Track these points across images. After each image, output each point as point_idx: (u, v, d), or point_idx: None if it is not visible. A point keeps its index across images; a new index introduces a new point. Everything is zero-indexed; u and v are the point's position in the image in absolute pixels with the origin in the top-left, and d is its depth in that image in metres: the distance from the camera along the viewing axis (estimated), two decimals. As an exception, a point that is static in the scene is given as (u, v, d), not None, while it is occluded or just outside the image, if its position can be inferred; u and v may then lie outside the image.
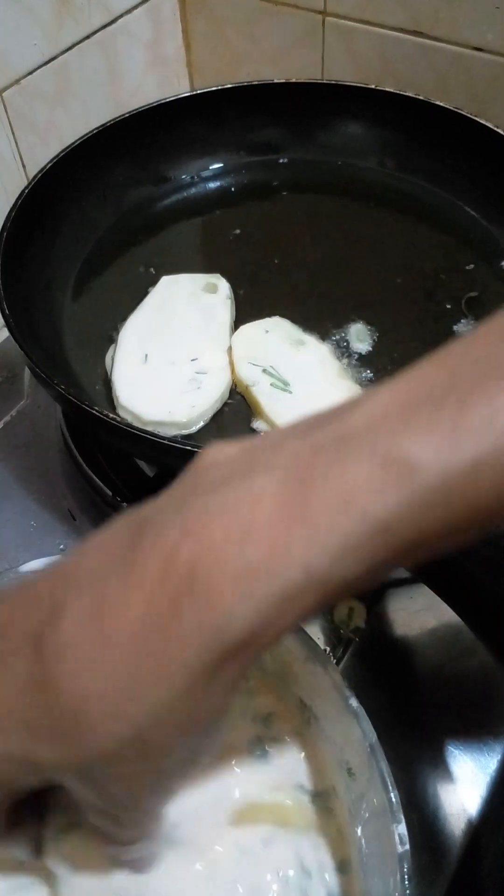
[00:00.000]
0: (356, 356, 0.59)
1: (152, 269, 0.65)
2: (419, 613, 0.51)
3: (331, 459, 0.24)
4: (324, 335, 0.60)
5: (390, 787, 0.34)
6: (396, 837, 0.33)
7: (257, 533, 0.24)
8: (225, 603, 0.23)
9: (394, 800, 0.33)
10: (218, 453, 0.27)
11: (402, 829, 0.33)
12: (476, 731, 0.47)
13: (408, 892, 0.32)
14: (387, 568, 0.25)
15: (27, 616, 0.26)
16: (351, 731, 0.35)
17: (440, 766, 0.45)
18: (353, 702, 0.35)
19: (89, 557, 0.27)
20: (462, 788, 0.44)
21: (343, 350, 0.59)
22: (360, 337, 0.60)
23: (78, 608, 0.25)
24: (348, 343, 0.59)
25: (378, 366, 0.58)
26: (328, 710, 0.37)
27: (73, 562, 0.27)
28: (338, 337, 0.60)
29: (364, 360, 0.59)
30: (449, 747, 0.45)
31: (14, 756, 0.26)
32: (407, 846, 0.33)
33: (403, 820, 0.33)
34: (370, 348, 0.59)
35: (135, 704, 0.25)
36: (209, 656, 0.24)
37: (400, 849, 0.32)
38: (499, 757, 0.45)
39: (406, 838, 0.33)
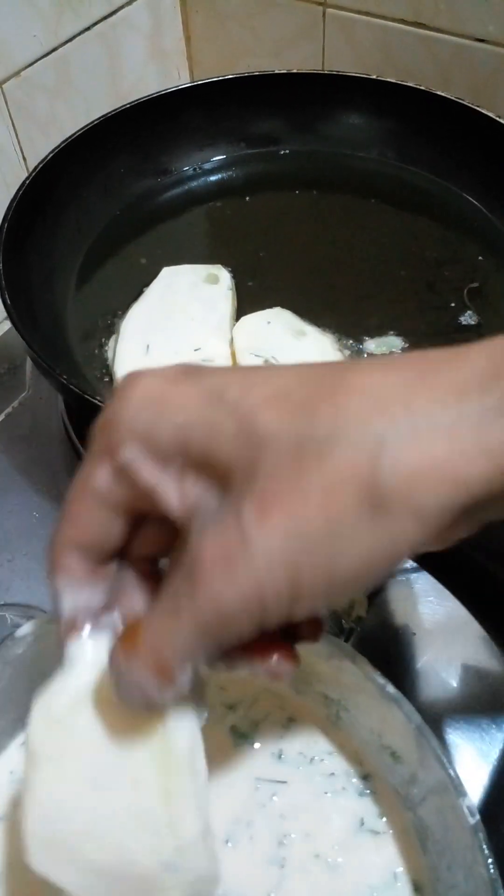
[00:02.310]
0: (358, 347, 0.59)
1: (154, 261, 0.65)
2: (421, 603, 0.51)
3: None
4: (325, 326, 0.60)
5: (447, 764, 0.34)
6: (465, 810, 0.33)
7: (440, 440, 0.24)
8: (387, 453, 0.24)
9: (453, 775, 0.34)
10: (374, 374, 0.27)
11: (468, 801, 0.33)
12: (478, 719, 0.47)
13: (490, 860, 0.32)
14: None
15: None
16: (391, 716, 0.36)
17: (442, 754, 0.45)
18: (390, 688, 0.36)
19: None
20: (464, 777, 0.44)
21: (345, 341, 0.59)
22: (361, 328, 0.60)
23: (384, 368, 0.26)
24: (350, 334, 0.59)
25: (380, 357, 0.58)
26: (361, 700, 0.38)
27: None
28: (339, 328, 0.60)
29: (366, 351, 0.58)
30: (451, 736, 0.45)
31: (240, 409, 0.26)
32: (478, 817, 0.33)
33: (468, 793, 0.33)
34: (372, 339, 0.59)
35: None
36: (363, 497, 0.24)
37: (472, 820, 0.33)
38: (501, 745, 0.45)
39: (475, 809, 0.33)
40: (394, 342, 0.59)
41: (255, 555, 0.24)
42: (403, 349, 0.58)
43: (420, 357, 0.26)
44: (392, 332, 0.59)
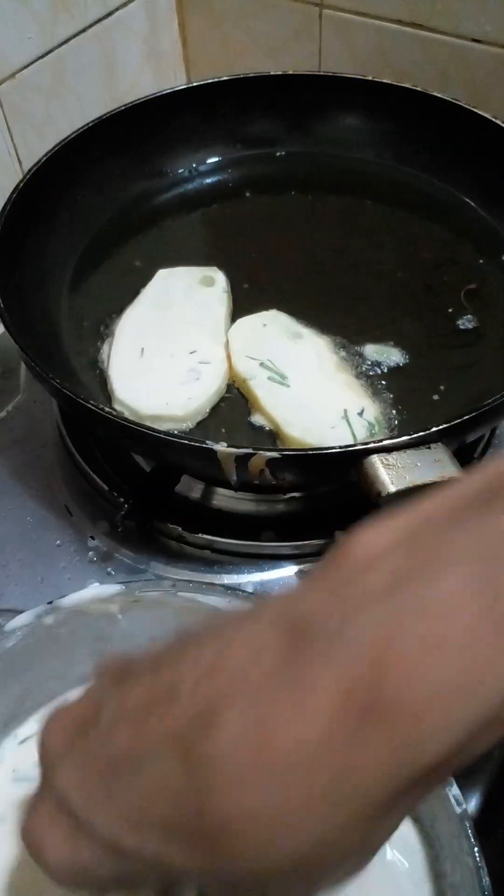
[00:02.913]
0: (354, 349, 0.58)
1: (149, 263, 0.64)
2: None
3: None
4: (321, 328, 0.59)
5: None
6: (452, 800, 0.33)
7: (454, 647, 0.21)
8: (420, 727, 0.21)
9: None
10: (370, 541, 0.24)
11: (455, 790, 0.34)
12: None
13: (476, 848, 0.32)
14: None
15: (167, 711, 0.24)
16: None
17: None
18: None
19: (235, 658, 0.24)
20: (459, 776, 0.44)
21: (341, 343, 0.59)
22: (358, 330, 0.59)
23: (236, 720, 0.23)
24: (346, 336, 0.59)
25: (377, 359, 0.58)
26: None
27: (210, 654, 0.25)
28: (335, 330, 0.59)
29: (362, 354, 0.58)
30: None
31: (144, 858, 0.24)
32: (464, 806, 0.33)
33: (455, 783, 0.34)
34: (369, 341, 0.59)
35: (299, 833, 0.22)
36: (395, 783, 0.21)
37: (458, 809, 0.33)
38: (498, 750, 0.45)
39: (462, 799, 0.33)
40: (392, 353, 0.58)
41: None
42: (402, 364, 0.58)
43: None
44: (391, 343, 0.59)
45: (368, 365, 0.57)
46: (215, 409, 0.56)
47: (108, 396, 0.56)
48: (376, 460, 0.44)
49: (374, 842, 0.23)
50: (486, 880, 0.33)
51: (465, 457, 0.55)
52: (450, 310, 0.60)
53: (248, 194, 0.71)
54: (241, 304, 0.61)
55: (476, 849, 0.33)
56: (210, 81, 0.70)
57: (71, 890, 0.28)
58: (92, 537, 0.56)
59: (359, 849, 0.23)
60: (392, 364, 0.57)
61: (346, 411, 0.53)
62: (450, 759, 0.22)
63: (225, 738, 0.22)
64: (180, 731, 0.23)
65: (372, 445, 0.44)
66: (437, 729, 0.21)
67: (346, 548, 0.24)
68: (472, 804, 0.44)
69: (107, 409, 0.49)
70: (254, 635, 0.24)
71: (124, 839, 0.24)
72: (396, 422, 0.54)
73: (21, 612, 0.42)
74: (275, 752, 0.22)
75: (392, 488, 0.43)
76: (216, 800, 0.22)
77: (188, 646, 0.26)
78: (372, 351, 0.58)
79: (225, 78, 0.71)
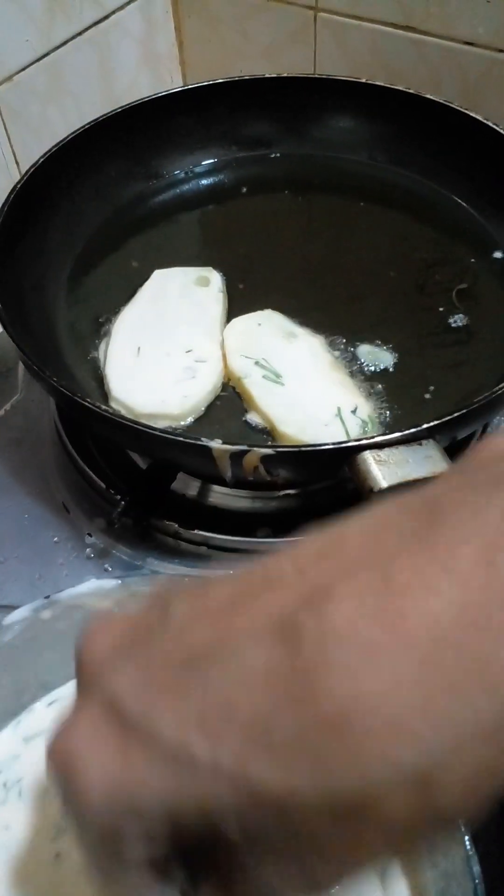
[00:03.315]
0: (347, 348, 0.59)
1: (145, 264, 0.65)
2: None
3: None
4: (316, 328, 0.60)
5: None
6: None
7: None
8: None
9: None
10: (499, 444, 0.23)
11: None
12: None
13: (467, 837, 0.33)
14: None
15: (263, 600, 0.21)
16: None
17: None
18: None
19: (351, 541, 0.21)
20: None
21: (334, 342, 0.59)
22: (352, 330, 0.60)
23: (353, 591, 0.19)
24: (340, 335, 0.60)
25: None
26: None
27: (324, 542, 0.21)
28: (330, 329, 0.60)
29: (356, 353, 0.59)
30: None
31: (222, 770, 0.19)
32: None
33: None
34: (362, 341, 0.59)
35: (432, 722, 0.18)
36: None
37: None
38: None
39: None
40: (385, 352, 0.59)
41: None
42: (395, 363, 0.58)
43: None
44: (384, 342, 0.59)
45: (362, 364, 0.58)
46: (211, 408, 0.57)
47: (104, 395, 0.57)
48: (368, 456, 0.44)
49: (489, 781, 0.19)
50: (477, 868, 0.33)
51: (458, 453, 0.56)
52: (442, 309, 0.61)
53: (243, 196, 0.72)
54: (237, 304, 0.62)
55: (466, 837, 0.33)
56: (206, 84, 0.71)
57: (95, 843, 0.23)
58: (89, 534, 0.57)
59: (490, 765, 0.19)
60: (385, 363, 0.58)
61: (339, 409, 0.54)
62: None
63: (345, 610, 0.19)
64: (283, 613, 0.20)
65: (364, 442, 0.45)
66: None
67: (477, 449, 0.23)
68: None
69: (103, 406, 0.50)
70: (372, 518, 0.21)
71: (198, 744, 0.20)
72: (389, 419, 0.55)
73: (19, 608, 0.42)
74: (408, 623, 0.19)
75: (384, 484, 0.43)
76: (331, 683, 0.19)
77: (281, 553, 0.22)
78: (365, 350, 0.59)
79: (220, 80, 0.71)
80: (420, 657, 0.18)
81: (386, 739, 0.18)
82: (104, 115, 0.68)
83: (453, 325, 0.60)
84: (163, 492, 0.56)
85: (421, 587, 0.19)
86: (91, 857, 0.23)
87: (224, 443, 0.46)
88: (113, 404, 0.56)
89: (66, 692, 0.41)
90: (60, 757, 0.22)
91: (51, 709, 0.42)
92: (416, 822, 0.19)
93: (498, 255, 0.64)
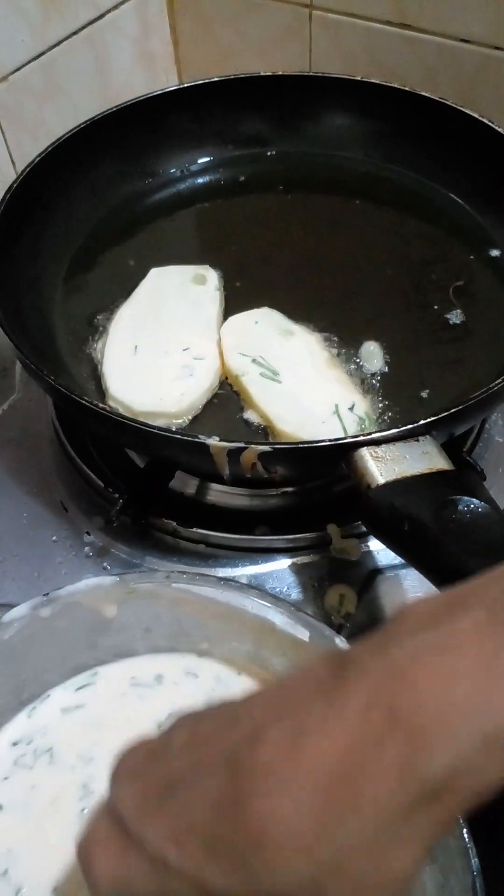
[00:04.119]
0: (344, 346, 0.59)
1: (142, 262, 0.65)
2: (409, 598, 0.51)
3: None
4: (313, 325, 0.60)
5: None
6: None
7: (461, 674, 0.24)
8: (426, 739, 0.23)
9: None
10: (420, 604, 0.27)
11: None
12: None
13: (465, 829, 0.33)
14: None
15: (225, 735, 0.27)
16: None
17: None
18: None
19: (289, 687, 0.28)
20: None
21: (331, 340, 0.59)
22: (349, 327, 0.60)
23: (277, 732, 0.25)
24: (337, 333, 0.60)
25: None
26: None
27: (275, 689, 0.28)
28: (326, 327, 0.60)
29: (353, 350, 0.59)
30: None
31: (185, 873, 0.26)
32: None
33: None
34: (359, 338, 0.59)
35: (321, 840, 0.24)
36: (405, 794, 0.23)
37: None
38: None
39: None
40: (382, 349, 0.59)
41: None
42: (391, 360, 0.58)
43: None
44: (381, 339, 0.59)
45: (358, 361, 0.58)
46: (208, 406, 0.57)
47: (102, 394, 0.57)
48: (366, 453, 0.45)
49: (385, 870, 0.24)
50: (475, 861, 0.33)
51: (456, 449, 0.56)
52: (438, 306, 0.61)
53: (239, 194, 0.72)
54: (234, 302, 0.62)
55: (464, 831, 0.34)
56: (201, 82, 0.71)
57: None
58: (87, 533, 0.57)
59: (371, 873, 0.24)
60: (381, 360, 0.58)
61: (337, 406, 0.54)
62: (458, 777, 0.23)
63: (267, 749, 0.25)
64: (233, 748, 0.26)
65: (361, 438, 0.45)
66: (440, 743, 0.23)
67: (402, 610, 0.28)
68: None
69: (100, 404, 0.50)
70: (307, 672, 0.28)
71: (170, 853, 0.26)
72: (386, 416, 0.55)
73: (17, 606, 0.42)
74: (307, 761, 0.24)
75: (381, 480, 0.43)
76: (255, 807, 0.25)
77: (257, 691, 0.30)
78: (362, 347, 0.59)
79: (216, 79, 0.71)
80: (313, 788, 0.24)
81: (289, 853, 0.24)
82: (99, 114, 0.68)
83: (450, 322, 0.60)
84: (161, 490, 0.57)
85: (320, 732, 0.25)
86: None
87: (221, 440, 0.46)
88: (110, 403, 0.56)
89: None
90: (82, 851, 0.29)
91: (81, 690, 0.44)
92: None
93: (495, 252, 0.64)
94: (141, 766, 0.29)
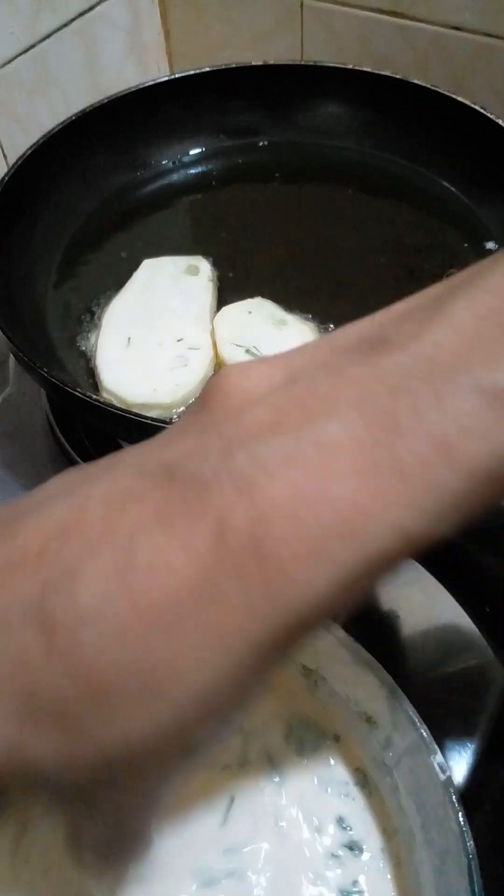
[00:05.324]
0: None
1: (134, 254, 0.65)
2: (404, 587, 0.51)
3: (419, 395, 0.20)
4: (306, 315, 0.60)
5: (418, 724, 0.35)
6: (437, 767, 0.34)
7: (335, 490, 0.20)
8: (299, 570, 0.20)
9: (425, 735, 0.34)
10: (246, 379, 0.23)
11: (439, 758, 0.34)
12: (461, 701, 0.47)
13: (460, 813, 0.33)
14: (481, 513, 0.21)
15: (11, 583, 0.22)
16: (364, 681, 0.36)
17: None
18: (364, 653, 0.36)
19: (93, 513, 0.22)
20: (447, 757, 0.45)
21: (326, 329, 0.59)
22: (343, 316, 0.60)
23: (98, 570, 0.21)
24: (331, 322, 0.60)
25: (360, 344, 0.58)
26: (336, 668, 0.38)
27: (66, 514, 0.22)
28: (320, 316, 0.60)
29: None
30: (434, 712, 0.46)
31: (3, 741, 0.22)
32: (449, 773, 0.34)
33: (439, 751, 0.34)
34: (353, 327, 0.59)
35: (178, 683, 0.21)
36: (274, 627, 0.20)
37: (443, 776, 0.34)
38: (482, 722, 0.46)
39: (446, 766, 0.34)
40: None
41: None
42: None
43: None
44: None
45: (353, 350, 0.58)
46: (202, 397, 0.57)
47: (95, 386, 0.57)
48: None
49: (243, 696, 0.22)
50: (471, 843, 0.33)
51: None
52: (432, 294, 0.61)
53: (231, 184, 0.71)
54: (227, 293, 0.62)
55: (460, 814, 0.34)
56: (193, 73, 0.71)
57: None
58: (82, 525, 0.57)
59: (232, 703, 0.22)
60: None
61: (331, 395, 0.54)
62: (331, 602, 0.20)
63: (89, 592, 0.21)
64: (31, 596, 0.21)
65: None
66: (316, 573, 0.20)
67: (218, 387, 0.23)
68: (460, 778, 0.45)
69: (94, 396, 0.50)
70: (115, 488, 0.22)
71: None
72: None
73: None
74: (145, 603, 0.20)
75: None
76: (83, 661, 0.20)
77: (26, 511, 0.23)
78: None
79: (207, 69, 0.71)
80: (163, 628, 0.20)
81: (129, 706, 0.21)
82: (91, 105, 0.68)
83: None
84: (156, 481, 0.56)
85: (161, 566, 0.20)
86: None
87: (215, 430, 0.46)
88: (104, 394, 0.56)
89: None
90: None
91: None
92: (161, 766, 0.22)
93: (490, 245, 0.64)
94: None
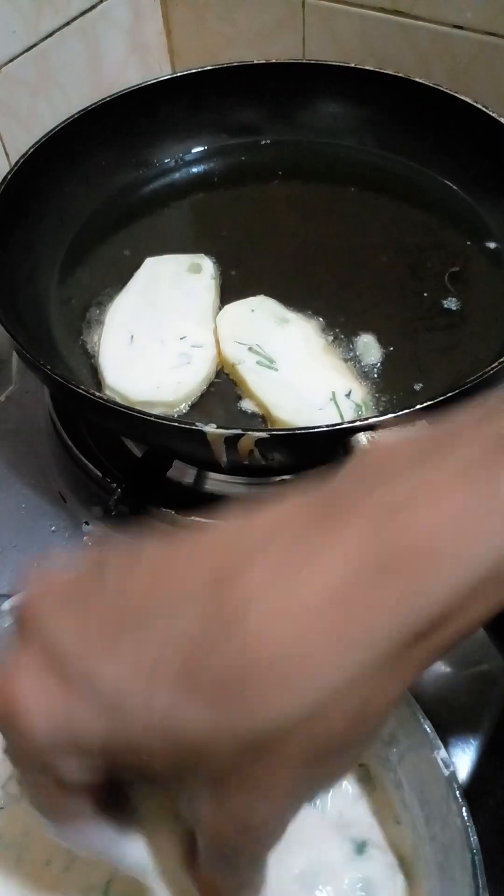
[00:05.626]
0: (341, 333, 0.59)
1: (137, 252, 0.65)
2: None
3: None
4: (308, 313, 0.60)
5: (422, 720, 0.35)
6: (440, 763, 0.34)
7: (456, 511, 0.24)
8: (423, 579, 0.23)
9: (429, 730, 0.35)
10: (384, 447, 0.28)
11: (443, 754, 0.34)
12: (465, 697, 0.47)
13: (464, 808, 0.33)
14: None
15: (185, 572, 0.25)
16: None
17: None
18: None
19: (257, 531, 0.25)
20: (451, 753, 0.45)
21: (327, 327, 0.59)
22: (345, 314, 0.60)
23: (265, 570, 0.24)
24: (333, 320, 0.60)
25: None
26: None
27: (233, 532, 0.25)
28: (322, 314, 0.60)
29: (349, 337, 0.59)
30: (438, 712, 0.46)
31: (149, 712, 0.23)
32: (452, 768, 0.34)
33: (443, 746, 0.34)
34: (355, 325, 0.59)
35: (320, 672, 0.23)
36: (405, 629, 0.23)
37: (446, 772, 0.34)
38: (486, 723, 0.46)
39: (450, 761, 0.34)
40: (378, 335, 0.59)
41: None
42: (388, 346, 0.58)
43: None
44: (377, 325, 0.59)
45: (354, 348, 0.58)
46: (205, 395, 0.57)
47: (98, 384, 0.57)
48: (363, 438, 0.45)
49: (378, 703, 0.24)
50: (474, 839, 0.33)
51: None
52: (434, 292, 0.61)
53: (233, 183, 0.72)
54: (229, 291, 0.62)
55: (464, 809, 0.34)
56: (194, 71, 0.71)
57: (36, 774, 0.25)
58: (86, 522, 0.57)
59: (366, 706, 0.24)
60: (377, 346, 0.58)
61: (333, 393, 0.54)
62: (452, 615, 0.24)
63: (254, 583, 0.23)
64: (203, 584, 0.24)
65: (358, 424, 0.45)
66: (436, 583, 0.23)
67: (363, 453, 0.28)
68: (464, 774, 0.45)
69: (97, 393, 0.50)
70: (275, 515, 0.25)
71: (132, 693, 0.23)
72: (383, 402, 0.55)
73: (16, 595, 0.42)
74: (303, 594, 0.23)
75: (378, 465, 0.43)
76: (245, 641, 0.23)
77: (198, 534, 0.26)
78: (358, 334, 0.59)
79: (209, 67, 0.71)
80: (317, 614, 0.23)
81: (281, 686, 0.23)
82: (93, 104, 0.68)
83: (446, 307, 0.60)
84: (159, 479, 0.57)
85: (317, 562, 0.23)
86: (34, 796, 0.27)
87: (219, 427, 0.46)
88: (107, 392, 0.56)
89: None
90: (3, 700, 0.24)
91: None
92: (314, 753, 0.24)
93: (491, 244, 0.64)
94: (67, 599, 0.25)
